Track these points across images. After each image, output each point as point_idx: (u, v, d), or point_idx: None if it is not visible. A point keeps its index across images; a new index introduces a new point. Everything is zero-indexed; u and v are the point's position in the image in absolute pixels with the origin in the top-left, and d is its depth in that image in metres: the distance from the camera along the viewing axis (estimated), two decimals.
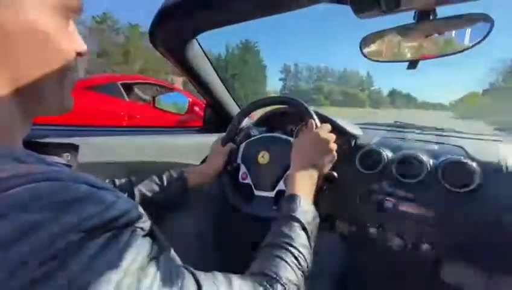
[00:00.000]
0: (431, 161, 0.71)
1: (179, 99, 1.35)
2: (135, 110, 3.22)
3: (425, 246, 0.71)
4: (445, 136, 0.86)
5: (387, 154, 0.78)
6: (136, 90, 3.75)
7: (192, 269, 0.33)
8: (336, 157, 0.62)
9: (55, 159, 0.31)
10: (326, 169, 0.62)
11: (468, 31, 0.49)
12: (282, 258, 0.42)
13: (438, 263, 0.83)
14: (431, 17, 0.44)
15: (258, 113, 0.94)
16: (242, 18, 0.66)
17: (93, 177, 0.26)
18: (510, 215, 0.63)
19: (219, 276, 0.35)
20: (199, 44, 0.81)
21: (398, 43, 0.58)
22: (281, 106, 0.89)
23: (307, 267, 0.44)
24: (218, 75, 0.98)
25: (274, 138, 0.76)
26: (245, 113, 0.80)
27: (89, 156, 0.76)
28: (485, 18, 0.46)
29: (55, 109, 0.35)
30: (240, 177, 0.75)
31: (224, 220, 0.79)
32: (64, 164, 0.34)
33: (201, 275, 0.32)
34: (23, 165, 0.24)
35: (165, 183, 0.69)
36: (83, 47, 0.35)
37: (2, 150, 0.25)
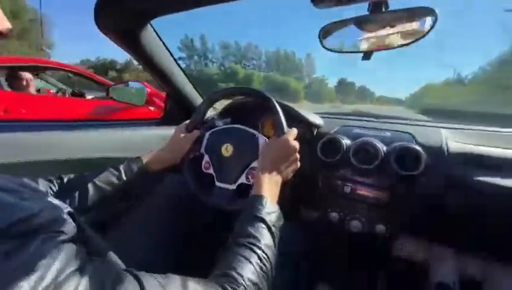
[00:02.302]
0: (384, 148, 0.76)
1: (137, 89, 1.27)
2: (18, 103, 2.33)
3: (379, 227, 0.77)
4: (396, 123, 0.93)
5: (346, 142, 0.81)
6: (46, 76, 3.19)
7: (137, 272, 0.30)
8: (298, 166, 0.64)
9: None
10: (289, 177, 0.63)
11: (416, 24, 0.52)
12: (246, 258, 0.41)
13: (391, 240, 0.91)
14: (383, 9, 0.46)
15: (222, 104, 0.92)
16: (202, 2, 0.63)
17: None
18: (451, 193, 0.70)
19: (173, 279, 0.33)
20: (154, 30, 0.76)
21: (355, 34, 0.60)
22: (246, 98, 0.88)
23: (271, 269, 0.43)
24: (177, 64, 0.93)
25: (239, 130, 0.74)
26: (211, 101, 0.78)
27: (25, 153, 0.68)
28: (430, 12, 0.50)
29: None
30: (202, 166, 0.74)
31: (188, 211, 0.77)
32: None
33: (149, 279, 0.30)
34: None
35: (123, 173, 0.64)
36: (5, 25, 0.32)
37: None
